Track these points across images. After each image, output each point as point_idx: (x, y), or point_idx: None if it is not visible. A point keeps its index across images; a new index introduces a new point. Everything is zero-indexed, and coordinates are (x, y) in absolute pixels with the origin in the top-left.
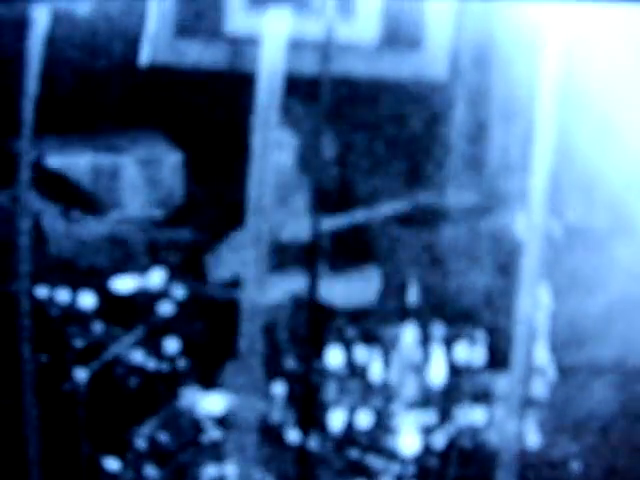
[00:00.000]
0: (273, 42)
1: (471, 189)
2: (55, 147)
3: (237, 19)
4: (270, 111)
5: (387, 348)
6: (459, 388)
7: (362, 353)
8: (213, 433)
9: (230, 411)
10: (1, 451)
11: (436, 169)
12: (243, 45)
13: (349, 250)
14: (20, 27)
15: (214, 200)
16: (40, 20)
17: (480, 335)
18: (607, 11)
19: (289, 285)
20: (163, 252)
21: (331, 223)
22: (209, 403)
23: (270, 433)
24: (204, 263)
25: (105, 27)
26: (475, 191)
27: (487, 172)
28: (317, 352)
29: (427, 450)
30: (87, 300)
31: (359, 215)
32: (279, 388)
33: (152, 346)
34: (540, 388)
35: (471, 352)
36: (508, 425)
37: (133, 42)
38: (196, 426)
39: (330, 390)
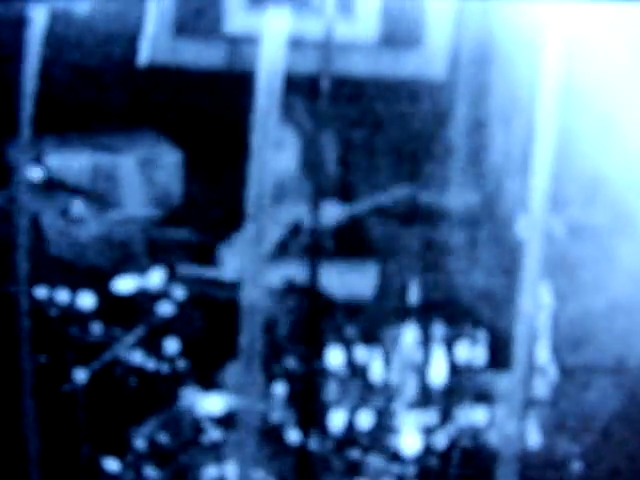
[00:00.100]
0: (272, 41)
1: (472, 188)
2: (54, 147)
3: (236, 18)
4: (270, 110)
5: (388, 348)
6: (460, 388)
7: (362, 353)
8: (213, 433)
9: (230, 411)
10: (1, 452)
11: (437, 168)
12: (242, 44)
13: (350, 249)
14: (18, 27)
15: (213, 200)
16: (38, 20)
17: (481, 335)
18: (607, 10)
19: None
20: (162, 252)
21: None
22: (209, 403)
23: (270, 433)
24: (207, 262)
25: (104, 27)
26: (476, 190)
27: (488, 171)
28: (317, 352)
29: (428, 450)
30: (86, 300)
31: (357, 207)
32: (279, 388)
33: (152, 346)
34: (541, 388)
35: (472, 352)
36: (509, 425)
37: (132, 42)
38: (196, 426)
39: (330, 390)
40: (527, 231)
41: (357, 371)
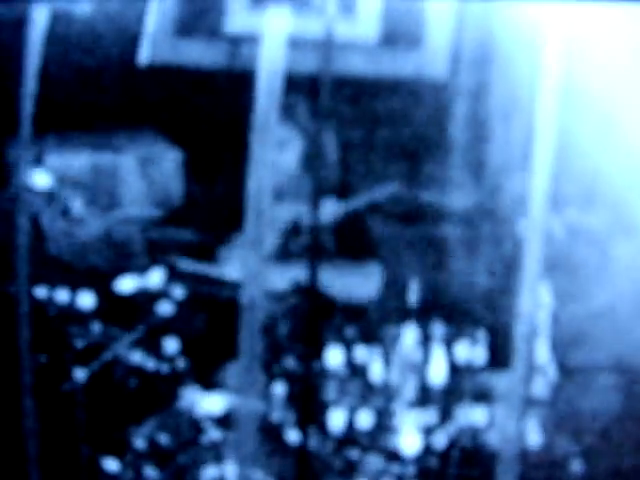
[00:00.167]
0: (273, 41)
1: (472, 188)
2: (54, 146)
3: (237, 18)
4: (270, 110)
5: (387, 348)
6: (460, 388)
7: (362, 353)
8: (213, 433)
9: (230, 411)
10: (1, 451)
11: (437, 168)
12: (243, 44)
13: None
14: (20, 27)
15: (213, 199)
16: (39, 20)
17: (481, 334)
18: (607, 10)
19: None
20: (162, 252)
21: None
22: (208, 403)
23: (270, 433)
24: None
25: (105, 27)
26: (476, 190)
27: (488, 171)
28: (317, 352)
29: (428, 450)
30: (86, 300)
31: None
32: (279, 388)
33: (151, 346)
34: (541, 388)
35: (472, 351)
36: (509, 425)
37: (133, 41)
38: (195, 426)
39: (330, 390)
40: (527, 231)
41: (357, 371)
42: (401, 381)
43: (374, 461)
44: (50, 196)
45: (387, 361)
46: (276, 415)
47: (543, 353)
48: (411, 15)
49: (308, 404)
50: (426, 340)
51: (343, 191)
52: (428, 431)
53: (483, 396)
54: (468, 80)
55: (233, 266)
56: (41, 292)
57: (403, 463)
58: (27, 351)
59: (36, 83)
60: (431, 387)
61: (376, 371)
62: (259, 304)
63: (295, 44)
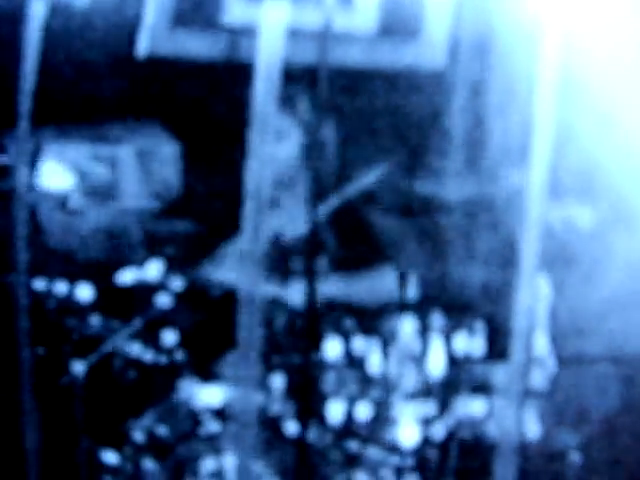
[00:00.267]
0: (271, 32)
1: (470, 179)
2: (53, 138)
3: (235, 9)
4: (268, 101)
5: (386, 339)
6: (458, 379)
7: (360, 344)
8: (211, 425)
9: (228, 403)
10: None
11: (435, 159)
12: (241, 35)
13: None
14: (18, 19)
15: (212, 191)
16: (38, 12)
17: (479, 326)
18: (605, 2)
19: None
20: (161, 244)
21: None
22: (207, 395)
23: (269, 425)
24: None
25: (103, 19)
26: (474, 181)
27: (486, 162)
28: (315, 343)
29: (426, 441)
30: (84, 292)
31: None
32: (278, 380)
33: (150, 338)
34: (540, 379)
35: (470, 343)
36: (507, 416)
37: (131, 33)
38: (194, 418)
39: (329, 382)
40: (525, 223)
41: (355, 362)
42: (400, 373)
43: (373, 453)
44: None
45: (386, 353)
46: (275, 407)
47: (542, 345)
48: (409, 6)
49: (307, 396)
50: (425, 331)
51: (341, 180)
52: (427, 422)
53: (482, 388)
54: (466, 72)
55: (232, 260)
56: (40, 284)
57: (402, 455)
58: (26, 344)
59: (34, 75)
60: (430, 379)
61: (375, 363)
62: (258, 296)
63: (293, 35)
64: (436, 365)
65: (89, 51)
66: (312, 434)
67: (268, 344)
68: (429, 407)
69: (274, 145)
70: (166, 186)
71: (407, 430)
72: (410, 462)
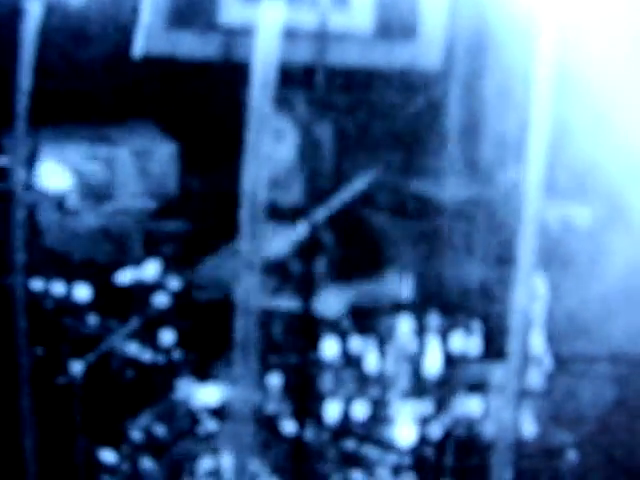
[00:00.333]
0: (267, 32)
1: (466, 178)
2: (49, 138)
3: (231, 9)
4: (265, 101)
5: (383, 338)
6: (455, 378)
7: (358, 344)
8: (209, 424)
9: (226, 402)
10: None
11: (431, 158)
12: (237, 35)
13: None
14: (14, 18)
15: (209, 191)
16: (33, 11)
17: (476, 325)
18: None
19: None
20: (158, 244)
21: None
22: (204, 394)
23: (266, 424)
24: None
25: (99, 18)
26: (470, 180)
27: (482, 161)
28: (313, 343)
29: (423, 440)
30: (82, 292)
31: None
32: (275, 379)
33: (147, 338)
34: (536, 378)
35: (467, 342)
36: (504, 415)
37: (127, 33)
38: (192, 417)
39: (326, 381)
40: (522, 221)
41: (352, 362)
42: (396, 372)
43: (370, 452)
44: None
45: (382, 352)
46: (272, 406)
47: (538, 344)
48: (405, 6)
49: (304, 395)
50: (421, 331)
51: (338, 180)
52: (423, 421)
53: (478, 387)
54: (462, 70)
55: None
56: (37, 285)
57: (399, 453)
58: (23, 344)
59: (31, 76)
60: (426, 378)
61: (372, 362)
62: (255, 296)
63: (290, 35)
64: (433, 364)
65: (85, 51)
66: (309, 433)
67: (265, 344)
68: (426, 406)
69: (271, 145)
70: (163, 186)
71: (404, 429)
72: (407, 461)
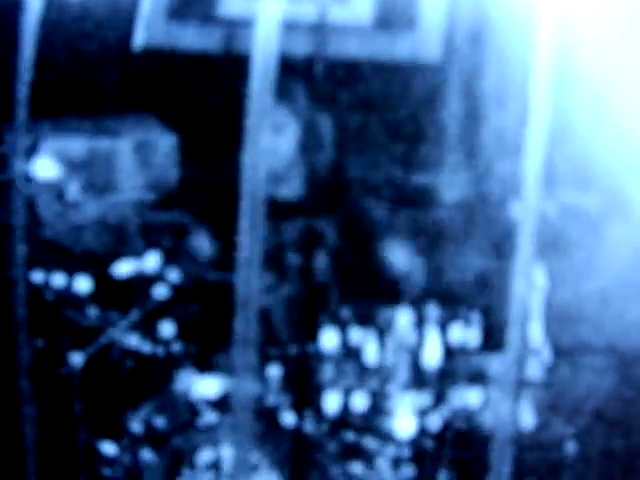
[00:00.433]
0: (267, 24)
1: (466, 170)
2: (50, 131)
3: (232, 1)
4: (265, 93)
5: (382, 330)
6: (454, 370)
7: (357, 335)
8: (209, 416)
9: (226, 394)
10: None
11: (431, 150)
12: (237, 28)
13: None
14: (14, 12)
15: (209, 183)
16: (34, 4)
17: (475, 317)
18: None
19: None
20: (158, 235)
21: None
22: (205, 386)
23: (265, 416)
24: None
25: (99, 11)
26: (470, 172)
27: (481, 153)
28: (312, 334)
29: (422, 432)
30: (82, 284)
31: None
32: (274, 371)
33: (148, 330)
34: (535, 370)
35: (466, 334)
36: (503, 407)
37: (127, 25)
38: (192, 409)
39: (325, 372)
40: (521, 213)
41: (352, 353)
42: (396, 363)
43: (369, 443)
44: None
45: (382, 343)
46: (271, 398)
47: (537, 335)
48: None
49: (303, 387)
50: (421, 322)
51: (338, 174)
52: (423, 413)
53: (477, 378)
54: (462, 62)
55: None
56: (37, 276)
57: (398, 445)
58: (24, 336)
59: (31, 68)
60: (426, 369)
61: (371, 353)
62: (254, 287)
63: (289, 28)
64: (432, 356)
65: (85, 43)
66: (308, 425)
67: (265, 335)
68: (425, 398)
69: (272, 137)
70: (163, 178)
71: (403, 421)
72: (406, 452)
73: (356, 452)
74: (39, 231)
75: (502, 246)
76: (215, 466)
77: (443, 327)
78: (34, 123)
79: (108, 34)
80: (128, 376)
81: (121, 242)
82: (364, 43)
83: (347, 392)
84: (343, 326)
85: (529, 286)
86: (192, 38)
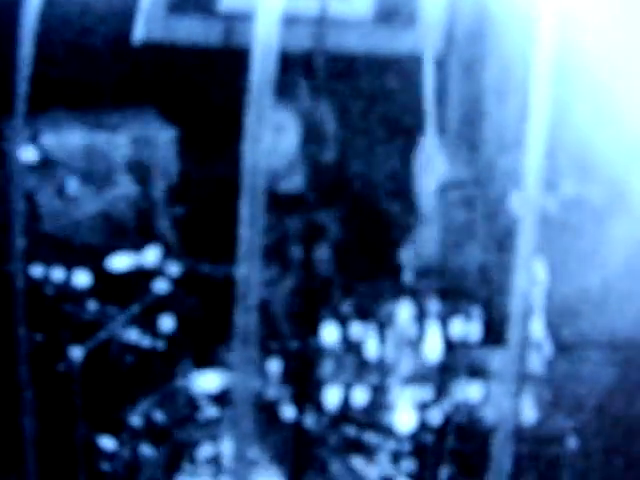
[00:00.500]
0: (267, 18)
1: (466, 164)
2: (49, 125)
3: None
4: (265, 87)
5: (383, 324)
6: (455, 364)
7: (358, 329)
8: (209, 411)
9: (226, 389)
10: None
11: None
12: (237, 21)
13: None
14: (14, 5)
15: (209, 177)
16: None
17: (476, 311)
18: None
19: None
20: (158, 230)
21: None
22: (205, 381)
23: (266, 410)
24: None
25: (98, 5)
26: (470, 166)
27: (482, 147)
28: (313, 329)
29: (423, 426)
30: (82, 279)
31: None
32: (275, 365)
33: (147, 324)
34: (536, 364)
35: (467, 328)
36: (504, 401)
37: (127, 20)
38: (192, 404)
39: (326, 367)
40: (522, 207)
41: (352, 347)
42: (397, 358)
43: (370, 438)
44: (45, 175)
45: (383, 338)
46: (272, 392)
47: (538, 329)
48: None
49: (304, 381)
50: (421, 316)
51: (340, 166)
52: (424, 407)
53: (478, 372)
54: (462, 56)
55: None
56: (36, 271)
57: (399, 439)
58: (23, 330)
59: (31, 62)
60: (427, 363)
61: (372, 348)
62: (255, 281)
63: (289, 22)
64: (433, 350)
65: (85, 37)
66: (309, 419)
67: (266, 329)
68: (426, 392)
69: (271, 131)
70: (163, 172)
71: (404, 415)
72: (407, 447)
73: (356, 446)
74: (38, 225)
75: (503, 240)
76: (215, 460)
77: (444, 321)
78: (33, 117)
79: (108, 28)
80: (128, 370)
81: (120, 236)
82: (364, 37)
83: (348, 386)
84: (344, 320)
85: (530, 280)
86: (192, 32)
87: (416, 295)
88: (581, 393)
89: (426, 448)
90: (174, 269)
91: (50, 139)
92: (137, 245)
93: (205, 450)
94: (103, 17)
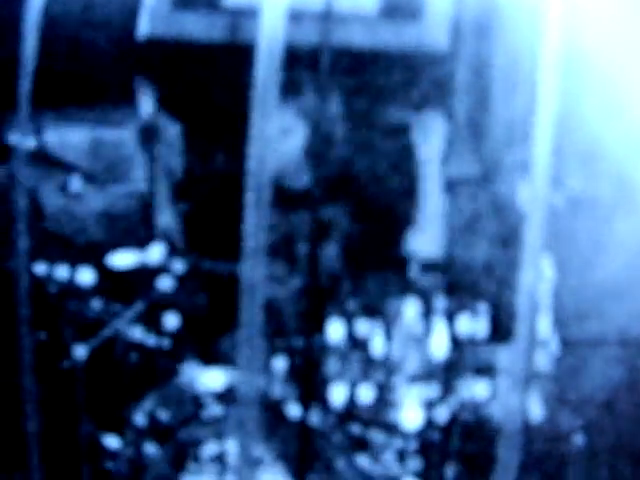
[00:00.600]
0: (273, 13)
1: (473, 159)
2: (53, 121)
3: None
4: (270, 82)
5: (389, 321)
6: (462, 361)
7: (364, 327)
8: (213, 409)
9: (230, 386)
10: (0, 428)
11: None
12: (243, 16)
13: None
14: (17, 1)
15: (214, 173)
16: None
17: (483, 308)
18: None
19: None
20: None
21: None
22: (209, 379)
23: (271, 408)
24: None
25: (103, 0)
26: (477, 161)
27: (489, 142)
28: (319, 326)
29: (430, 424)
30: (86, 276)
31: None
32: (280, 363)
33: (152, 322)
34: (543, 361)
35: (474, 325)
36: (511, 398)
37: (132, 15)
38: (196, 402)
39: (332, 364)
40: (529, 203)
41: (358, 345)
42: (403, 355)
43: (376, 436)
44: (49, 172)
45: (389, 335)
46: (277, 390)
47: (545, 327)
48: None
49: (309, 379)
50: (428, 313)
51: (346, 162)
52: (430, 405)
53: (485, 370)
54: (470, 51)
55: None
56: (40, 268)
57: (405, 437)
58: (27, 328)
59: (35, 58)
60: (433, 361)
61: (378, 345)
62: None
63: (295, 16)
64: (439, 347)
65: (90, 33)
66: (315, 417)
67: (271, 327)
68: (432, 390)
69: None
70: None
71: (410, 413)
72: (413, 445)
73: (362, 444)
74: (42, 223)
75: (510, 236)
76: (220, 459)
77: (451, 318)
78: (38, 113)
79: (113, 23)
80: (132, 368)
81: (125, 234)
82: (370, 32)
83: (354, 384)
84: (350, 318)
85: (537, 277)
86: (197, 27)
87: (422, 292)
88: (589, 390)
89: (432, 446)
90: (178, 266)
91: (54, 135)
92: (142, 242)
93: (210, 448)
94: (108, 12)
